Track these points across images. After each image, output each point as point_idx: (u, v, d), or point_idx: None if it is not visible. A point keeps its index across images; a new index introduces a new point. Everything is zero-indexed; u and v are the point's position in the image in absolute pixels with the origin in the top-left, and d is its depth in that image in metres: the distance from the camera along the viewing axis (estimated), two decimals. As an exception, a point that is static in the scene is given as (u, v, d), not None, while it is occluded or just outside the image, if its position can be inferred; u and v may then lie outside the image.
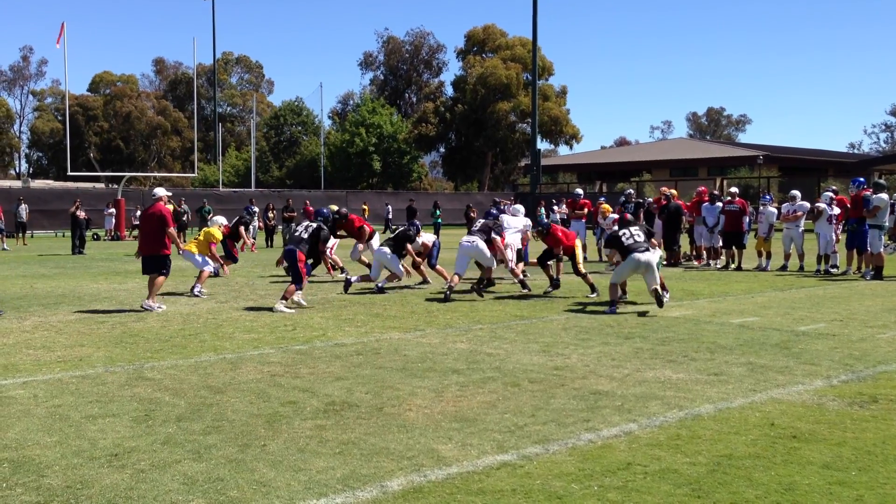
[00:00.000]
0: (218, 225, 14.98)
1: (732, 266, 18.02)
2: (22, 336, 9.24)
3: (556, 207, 36.76)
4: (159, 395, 6.36)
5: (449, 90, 72.71)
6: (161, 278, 11.52)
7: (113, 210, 36.35)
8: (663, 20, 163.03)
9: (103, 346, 8.55)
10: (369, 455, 4.86)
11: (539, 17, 46.89)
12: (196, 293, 13.09)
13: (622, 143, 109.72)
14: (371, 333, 9.38)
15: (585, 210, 21.53)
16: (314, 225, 12.37)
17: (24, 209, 31.05)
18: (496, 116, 63.44)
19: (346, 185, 62.13)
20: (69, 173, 41.35)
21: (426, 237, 14.65)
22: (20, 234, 31.61)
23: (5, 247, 28.22)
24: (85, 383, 6.80)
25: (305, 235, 12.13)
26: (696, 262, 19.57)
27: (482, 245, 13.13)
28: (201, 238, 14.37)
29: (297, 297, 11.77)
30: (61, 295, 13.47)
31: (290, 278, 12.04)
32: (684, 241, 20.24)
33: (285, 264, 12.19)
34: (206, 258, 14.03)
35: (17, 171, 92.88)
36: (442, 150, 72.17)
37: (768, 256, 18.00)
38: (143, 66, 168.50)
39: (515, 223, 14.32)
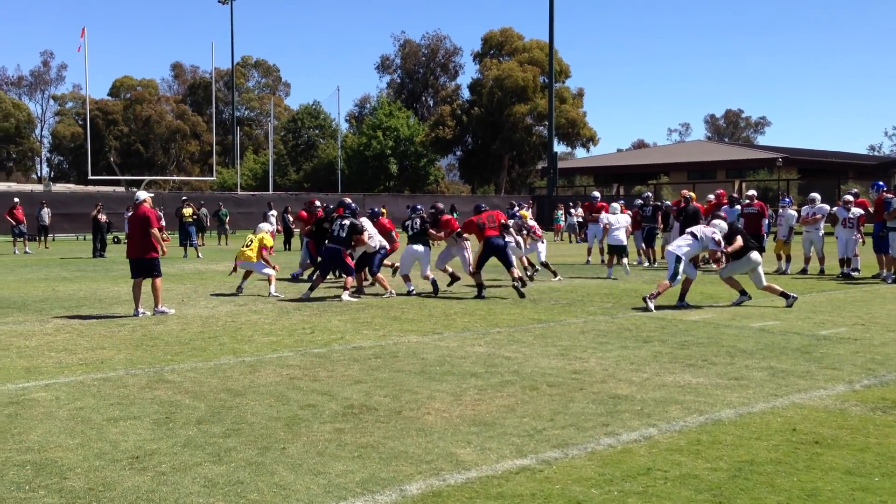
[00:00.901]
0: (266, 231, 15.05)
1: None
2: (44, 338, 9.33)
3: (573, 210, 36.81)
4: (179, 398, 6.39)
5: (465, 93, 72.77)
6: (158, 280, 11.47)
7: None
8: (680, 22, 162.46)
9: (124, 349, 8.61)
10: (388, 459, 4.87)
11: (556, 20, 46.90)
12: (273, 294, 13.66)
13: (640, 145, 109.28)
14: (389, 337, 9.40)
15: (602, 213, 21.44)
16: (348, 221, 13.27)
17: (46, 213, 31.32)
18: (513, 119, 63.38)
19: (363, 189, 62.28)
20: (90, 177, 41.82)
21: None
22: (42, 238, 31.90)
23: (27, 250, 28.50)
24: (106, 386, 6.85)
25: (344, 234, 13.14)
26: (714, 266, 19.44)
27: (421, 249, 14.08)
28: (255, 246, 14.38)
29: (345, 295, 12.80)
30: (82, 298, 13.58)
31: (296, 282, 12.43)
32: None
33: (299, 272, 12.70)
34: (263, 262, 14.22)
35: (39, 174, 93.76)
36: (458, 153, 72.18)
37: (788, 260, 17.87)
38: (163, 70, 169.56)
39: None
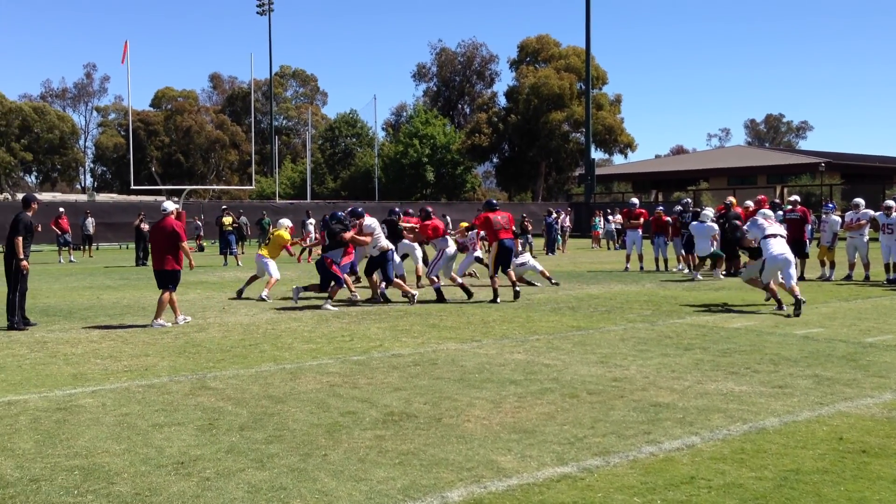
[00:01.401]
0: (285, 227, 15.55)
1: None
2: (90, 346, 9.50)
3: (611, 217, 36.58)
4: (222, 405, 6.47)
5: (502, 100, 72.75)
6: (167, 295, 11.22)
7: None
8: (720, 26, 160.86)
9: (167, 356, 8.74)
10: (429, 466, 4.88)
11: (593, 26, 46.77)
12: (264, 297, 14.00)
13: (678, 151, 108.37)
14: (428, 344, 9.42)
15: (641, 219, 21.30)
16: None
17: (90, 222, 31.93)
18: (549, 126, 63.20)
19: (399, 196, 62.51)
20: (132, 187, 42.48)
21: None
22: (87, 247, 32.52)
23: (72, 259, 29.06)
24: (151, 392, 6.96)
25: (328, 242, 13.63)
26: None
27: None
28: (274, 243, 15.10)
29: (327, 304, 13.00)
30: (126, 306, 13.81)
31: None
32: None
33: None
34: (273, 263, 14.57)
35: (83, 185, 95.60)
36: (495, 160, 72.16)
37: (832, 266, 17.57)
38: (203, 81, 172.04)
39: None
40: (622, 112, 69.04)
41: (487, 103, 75.87)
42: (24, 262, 11.14)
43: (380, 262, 13.72)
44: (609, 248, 35.01)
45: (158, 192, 63.15)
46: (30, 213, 11.33)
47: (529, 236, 29.39)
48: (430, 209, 16.38)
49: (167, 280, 11.34)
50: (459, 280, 14.45)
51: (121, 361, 8.46)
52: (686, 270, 19.93)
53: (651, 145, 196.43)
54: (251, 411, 6.25)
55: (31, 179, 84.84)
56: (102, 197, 68.21)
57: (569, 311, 12.48)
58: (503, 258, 13.80)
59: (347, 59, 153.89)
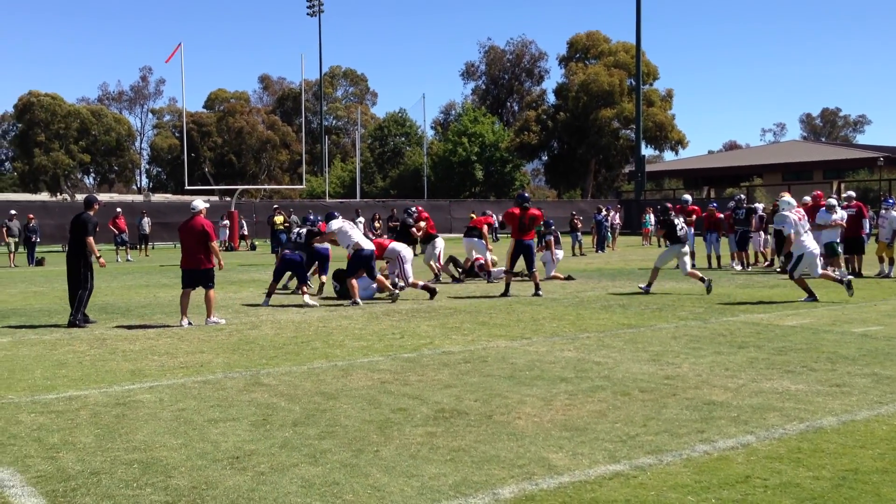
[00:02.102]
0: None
1: (850, 273, 17.22)
2: (147, 343, 9.71)
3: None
4: (275, 401, 6.57)
5: (551, 98, 72.40)
6: (212, 292, 11.30)
7: (227, 222, 37.80)
8: (773, 19, 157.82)
9: (222, 353, 8.89)
10: (480, 462, 4.88)
11: (643, 21, 46.23)
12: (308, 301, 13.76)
13: (731, 147, 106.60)
14: (478, 342, 9.42)
15: (694, 217, 21.01)
16: (305, 230, 14.78)
17: (146, 222, 32.64)
18: (599, 123, 62.68)
19: (448, 195, 62.63)
20: (186, 187, 43.29)
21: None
22: (143, 246, 33.24)
23: (129, 258, 29.72)
24: (206, 388, 7.09)
25: (302, 241, 14.48)
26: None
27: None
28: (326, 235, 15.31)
29: (306, 297, 13.47)
30: (181, 304, 14.05)
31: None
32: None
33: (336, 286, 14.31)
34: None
35: (139, 185, 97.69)
36: (544, 157, 71.83)
37: (891, 262, 17.13)
38: (254, 83, 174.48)
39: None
40: (673, 108, 68.22)
41: (536, 101, 75.55)
42: (102, 259, 11.56)
43: (360, 262, 13.50)
44: (660, 246, 34.59)
45: (211, 192, 64.24)
46: (92, 214, 11.62)
47: (579, 234, 29.20)
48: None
49: (201, 279, 11.27)
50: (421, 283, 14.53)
51: (177, 358, 8.63)
52: (739, 268, 19.61)
53: (703, 141, 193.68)
54: (304, 407, 6.33)
55: (89, 181, 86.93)
56: (158, 197, 69.68)
57: (619, 308, 12.37)
58: (519, 254, 14.43)
59: (397, 59, 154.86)
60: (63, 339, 10.05)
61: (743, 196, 23.32)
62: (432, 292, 14.08)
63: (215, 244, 11.43)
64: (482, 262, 17.72)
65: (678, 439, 5.29)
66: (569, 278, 17.29)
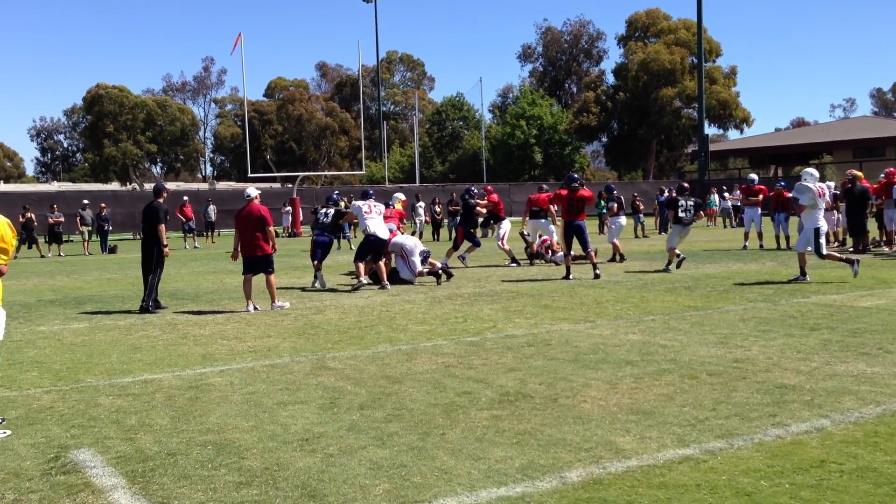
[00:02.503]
0: (399, 200, 16.39)
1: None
2: (216, 327, 9.93)
3: (727, 194, 35.43)
4: (342, 384, 6.65)
5: (610, 78, 71.40)
6: (272, 277, 11.48)
7: (289, 208, 38.32)
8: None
9: (288, 337, 9.04)
10: (546, 446, 4.88)
11: (705, -3, 45.07)
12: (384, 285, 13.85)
13: (799, 123, 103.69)
14: (541, 325, 9.39)
15: (760, 196, 20.54)
16: (332, 210, 14.55)
17: (212, 210, 33.31)
18: (660, 103, 61.62)
19: (507, 178, 62.39)
20: (249, 174, 44.02)
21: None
22: (209, 233, 33.96)
23: (196, 245, 30.38)
24: (274, 372, 7.23)
25: (328, 221, 14.41)
26: (886, 249, 18.25)
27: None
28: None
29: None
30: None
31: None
32: (872, 226, 18.93)
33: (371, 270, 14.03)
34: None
35: (203, 174, 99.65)
36: (604, 139, 70.97)
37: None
38: (312, 70, 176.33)
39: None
40: (737, 85, 66.55)
41: (595, 82, 74.59)
42: (167, 248, 11.87)
43: (368, 246, 13.70)
44: (725, 226, 33.96)
45: (273, 180, 65.16)
46: (161, 201, 11.90)
47: (641, 216, 28.82)
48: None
49: (261, 265, 11.45)
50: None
51: (245, 342, 8.81)
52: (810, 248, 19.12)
53: (769, 118, 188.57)
54: (370, 391, 6.40)
55: (156, 170, 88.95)
56: (222, 185, 70.97)
57: (685, 290, 12.18)
58: (572, 235, 14.43)
59: (453, 43, 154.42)
60: (137, 325, 10.34)
61: (812, 174, 22.70)
62: (438, 276, 14.11)
63: (271, 229, 11.61)
64: (549, 242, 17.71)
65: (749, 423, 5.20)
66: (616, 258, 17.47)
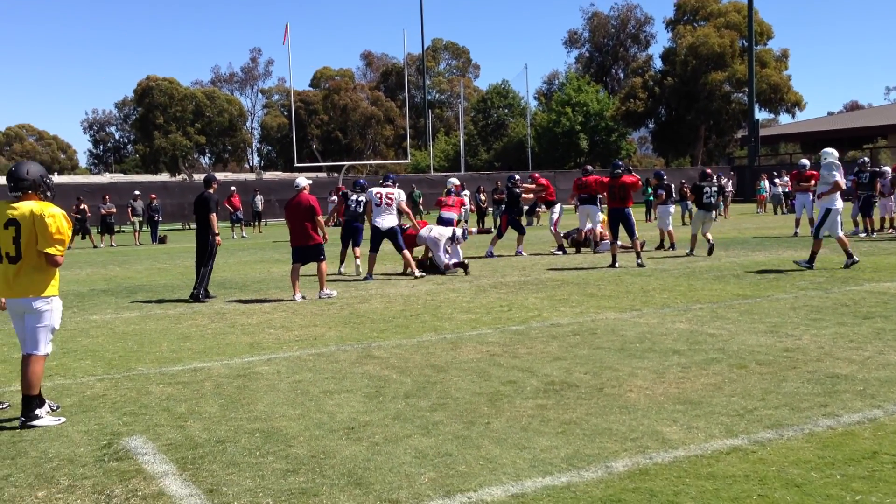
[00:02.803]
0: (455, 185, 17.01)
1: None
2: (263, 316, 10.06)
3: (777, 180, 34.74)
4: (387, 373, 6.69)
5: (658, 63, 70.34)
6: (324, 265, 11.62)
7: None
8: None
9: (334, 326, 9.12)
10: (592, 435, 4.85)
11: (755, -21, 44.13)
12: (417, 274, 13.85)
13: (853, 107, 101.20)
14: (586, 314, 9.33)
15: (812, 182, 20.09)
16: (364, 198, 14.17)
17: (259, 199, 33.72)
18: (709, 87, 60.55)
19: (553, 166, 61.98)
20: (295, 164, 44.42)
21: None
22: (256, 223, 34.38)
23: (244, 234, 30.79)
24: (320, 360, 7.30)
25: (361, 210, 14.16)
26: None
27: None
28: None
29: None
30: (294, 278, 14.48)
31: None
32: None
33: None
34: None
35: (251, 164, 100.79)
36: (651, 125, 70.03)
37: None
38: (356, 60, 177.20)
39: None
40: (789, 68, 65.07)
41: (642, 67, 73.54)
42: (219, 238, 12.06)
43: (372, 235, 13.74)
44: (776, 213, 33.34)
45: (319, 169, 65.68)
46: (212, 192, 12.09)
47: (689, 203, 28.42)
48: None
49: (311, 254, 11.56)
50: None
51: (292, 331, 8.91)
52: (863, 234, 18.70)
53: (822, 102, 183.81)
54: (415, 380, 6.43)
55: (205, 161, 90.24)
56: (269, 175, 71.71)
57: (733, 278, 12.00)
58: (617, 223, 14.37)
59: (498, 30, 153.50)
60: (186, 314, 10.52)
61: (867, 159, 22.17)
62: (465, 267, 13.91)
63: (320, 219, 11.67)
64: (596, 230, 17.56)
65: (799, 413, 5.11)
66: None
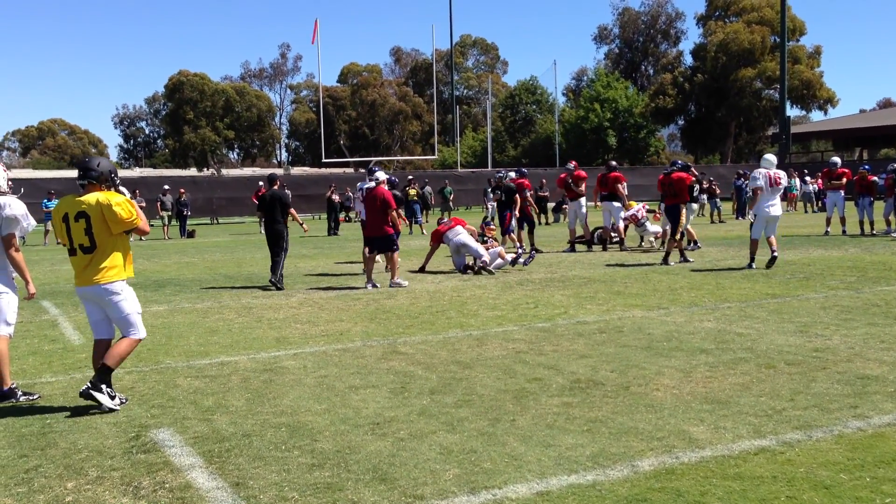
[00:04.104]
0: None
1: None
2: (290, 311, 10.12)
3: (808, 178, 34.32)
4: (412, 369, 6.70)
5: (688, 59, 69.83)
6: (396, 255, 12.23)
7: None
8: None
9: (360, 322, 9.15)
10: (618, 434, 4.83)
11: (788, -26, 43.55)
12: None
13: (886, 104, 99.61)
14: (613, 311, 9.28)
15: (844, 180, 19.83)
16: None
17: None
18: (740, 84, 59.96)
19: (581, 162, 61.25)
20: (323, 160, 44.59)
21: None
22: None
23: (271, 230, 30.97)
24: (346, 356, 7.33)
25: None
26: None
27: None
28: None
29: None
30: (321, 274, 14.57)
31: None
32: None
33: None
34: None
35: (279, 159, 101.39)
36: (681, 122, 69.48)
37: None
38: (385, 55, 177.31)
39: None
40: (822, 65, 64.28)
41: (672, 63, 73.06)
42: (306, 226, 13.03)
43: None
44: (806, 211, 32.96)
45: (347, 165, 65.92)
46: (275, 188, 12.87)
47: (717, 200, 28.19)
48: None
49: (383, 245, 12.17)
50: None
51: (318, 326, 8.95)
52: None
53: (855, 99, 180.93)
54: (440, 376, 6.43)
55: (233, 156, 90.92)
56: (296, 170, 72.10)
57: (762, 277, 11.87)
58: (671, 220, 14.34)
59: (527, 26, 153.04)
60: (213, 308, 10.61)
61: (900, 157, 21.83)
62: (489, 272, 13.53)
63: (394, 212, 12.22)
64: (619, 227, 17.43)
65: (829, 415, 5.04)
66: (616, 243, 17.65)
